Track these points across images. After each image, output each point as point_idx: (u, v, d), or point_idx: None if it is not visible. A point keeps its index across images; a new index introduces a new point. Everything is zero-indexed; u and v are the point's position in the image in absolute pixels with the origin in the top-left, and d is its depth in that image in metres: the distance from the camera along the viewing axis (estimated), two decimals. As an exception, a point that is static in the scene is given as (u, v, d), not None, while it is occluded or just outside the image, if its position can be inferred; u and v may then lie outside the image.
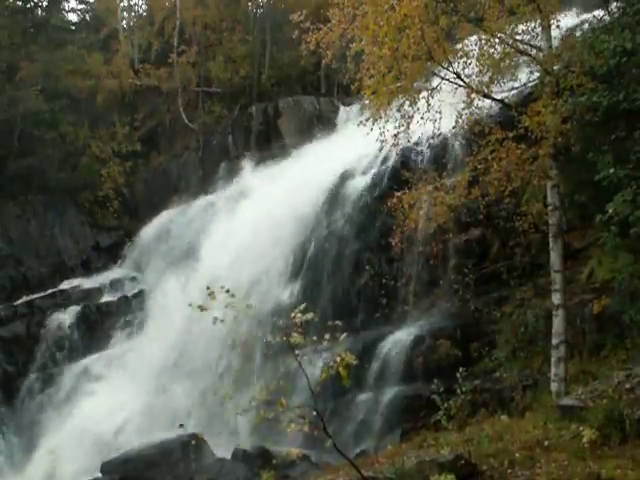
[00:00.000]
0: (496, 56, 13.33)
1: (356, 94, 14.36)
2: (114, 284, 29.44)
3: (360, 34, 12.67)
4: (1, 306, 28.38)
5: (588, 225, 16.40)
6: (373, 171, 23.39)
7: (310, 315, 6.34)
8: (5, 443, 24.22)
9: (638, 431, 9.09)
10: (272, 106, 34.82)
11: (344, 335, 6.41)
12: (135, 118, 37.99)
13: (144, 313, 26.84)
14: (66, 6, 43.87)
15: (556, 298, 13.08)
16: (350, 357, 6.39)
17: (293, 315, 6.45)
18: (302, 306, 6.52)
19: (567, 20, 15.37)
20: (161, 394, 22.89)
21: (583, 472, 8.45)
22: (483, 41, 13.32)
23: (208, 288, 6.77)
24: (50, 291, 29.44)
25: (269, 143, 33.73)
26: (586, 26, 13.55)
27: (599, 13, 13.91)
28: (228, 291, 6.65)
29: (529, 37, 13.57)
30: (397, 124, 13.18)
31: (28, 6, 40.02)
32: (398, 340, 19.11)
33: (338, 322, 6.51)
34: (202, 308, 6.73)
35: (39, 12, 40.36)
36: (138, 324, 26.72)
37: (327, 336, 6.45)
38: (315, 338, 6.47)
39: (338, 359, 6.39)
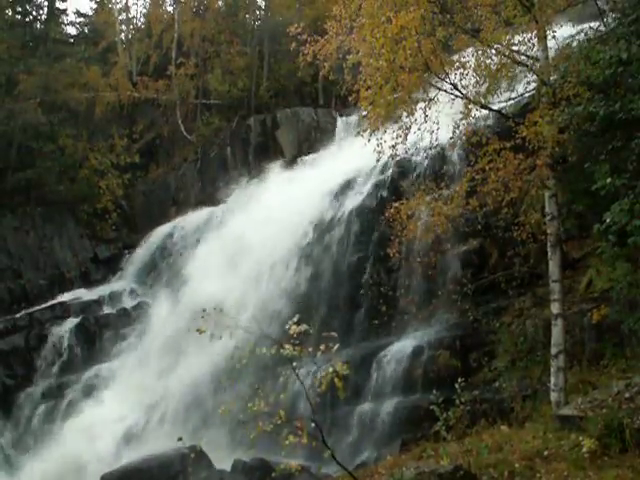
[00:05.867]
0: (493, 67, 13.38)
1: (354, 105, 14.39)
2: (113, 296, 29.41)
3: (357, 46, 12.72)
4: (0, 319, 28.36)
5: (586, 235, 16.46)
6: (371, 182, 23.46)
7: (304, 327, 6.32)
8: (3, 456, 24.12)
9: (638, 441, 9.06)
10: (270, 118, 34.96)
11: (337, 346, 6.38)
12: (133, 130, 38.09)
13: (143, 325, 26.82)
14: (65, 19, 44.23)
15: (555, 308, 13.05)
16: (343, 368, 6.37)
17: (287, 327, 6.44)
18: (296, 317, 6.50)
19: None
20: (160, 407, 22.84)
21: (583, 482, 8.45)
22: (480, 52, 13.38)
23: (204, 310, 6.79)
24: (49, 303, 29.46)
25: (267, 155, 33.81)
26: (582, 36, 13.60)
27: (595, 24, 13.98)
28: (221, 310, 6.66)
29: (525, 48, 13.63)
30: (395, 135, 13.21)
31: (27, 19, 40.34)
32: (397, 351, 19.09)
33: (334, 333, 6.49)
34: (200, 331, 6.73)
35: (38, 25, 40.65)
36: (137, 336, 26.68)
37: (322, 347, 6.43)
38: (310, 349, 6.45)
39: (330, 369, 6.37)
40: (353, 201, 23.38)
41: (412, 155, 21.22)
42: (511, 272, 18.08)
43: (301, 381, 6.90)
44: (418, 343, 18.91)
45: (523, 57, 13.52)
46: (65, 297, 30.01)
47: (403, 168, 21.76)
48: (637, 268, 11.98)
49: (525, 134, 12.51)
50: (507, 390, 15.76)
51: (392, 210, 13.98)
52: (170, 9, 43.28)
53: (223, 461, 18.60)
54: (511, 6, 13.39)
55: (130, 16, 44.47)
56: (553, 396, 12.75)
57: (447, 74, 13.11)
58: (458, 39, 13.85)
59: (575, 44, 13.42)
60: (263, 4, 43.20)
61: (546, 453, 9.62)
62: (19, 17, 40.23)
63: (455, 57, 13.78)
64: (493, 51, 13.26)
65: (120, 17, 43.29)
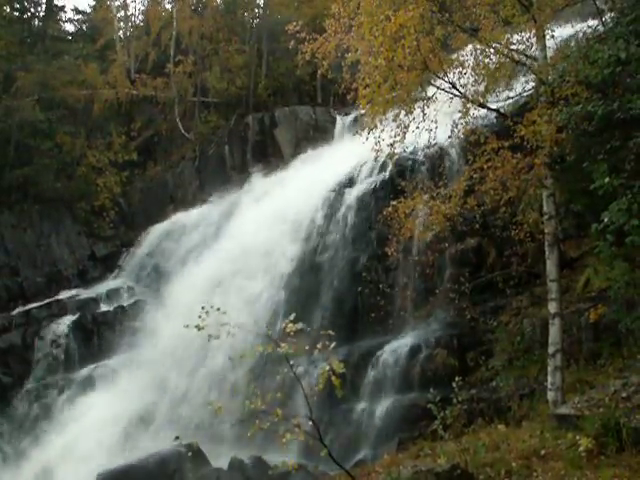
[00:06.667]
0: (491, 66, 13.39)
1: (352, 104, 14.37)
2: (110, 294, 29.38)
3: (356, 44, 12.72)
4: (-3, 316, 28.38)
5: (584, 234, 16.47)
6: (370, 180, 23.45)
7: (300, 325, 6.33)
8: (0, 453, 24.10)
9: (635, 440, 9.08)
10: (268, 116, 34.92)
11: (333, 344, 6.39)
12: (131, 128, 38.06)
13: (140, 323, 26.78)
14: (63, 16, 44.26)
15: (552, 307, 13.07)
16: (339, 365, 6.37)
17: (284, 325, 6.44)
18: (292, 316, 6.50)
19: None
20: (157, 405, 22.82)
21: (580, 481, 8.45)
22: (478, 51, 13.39)
23: (203, 308, 6.79)
24: (46, 301, 29.40)
25: (266, 153, 33.81)
26: (580, 36, 13.61)
27: (593, 23, 13.99)
28: (219, 309, 6.67)
29: (524, 47, 13.65)
30: (393, 134, 13.20)
31: (25, 16, 40.31)
32: (395, 349, 19.09)
33: (330, 332, 6.49)
34: (198, 328, 6.74)
35: (36, 22, 40.66)
36: (134, 334, 26.63)
37: (319, 346, 6.43)
38: (307, 347, 6.45)
39: (327, 367, 6.37)
40: (351, 199, 23.36)
41: (411, 154, 21.20)
42: (509, 271, 18.11)
43: (298, 379, 6.89)
44: (415, 342, 18.91)
45: (522, 56, 13.53)
46: (62, 295, 29.96)
47: (402, 167, 21.74)
48: (635, 267, 11.99)
49: (523, 133, 12.52)
50: (504, 389, 15.78)
51: (390, 209, 13.99)
52: (169, 7, 43.30)
53: (220, 459, 18.59)
54: (510, 5, 13.40)
55: (128, 13, 44.51)
56: (550, 395, 12.77)
57: (446, 73, 13.12)
58: (457, 38, 13.86)
59: (573, 43, 13.42)
60: (262, 2, 43.21)
61: (543, 452, 9.64)
62: (17, 14, 40.22)
63: (454, 56, 13.79)
64: (492, 50, 13.27)
65: (118, 14, 43.26)
